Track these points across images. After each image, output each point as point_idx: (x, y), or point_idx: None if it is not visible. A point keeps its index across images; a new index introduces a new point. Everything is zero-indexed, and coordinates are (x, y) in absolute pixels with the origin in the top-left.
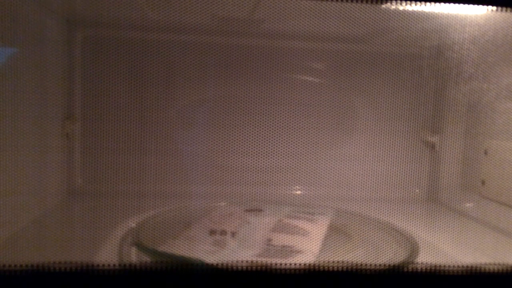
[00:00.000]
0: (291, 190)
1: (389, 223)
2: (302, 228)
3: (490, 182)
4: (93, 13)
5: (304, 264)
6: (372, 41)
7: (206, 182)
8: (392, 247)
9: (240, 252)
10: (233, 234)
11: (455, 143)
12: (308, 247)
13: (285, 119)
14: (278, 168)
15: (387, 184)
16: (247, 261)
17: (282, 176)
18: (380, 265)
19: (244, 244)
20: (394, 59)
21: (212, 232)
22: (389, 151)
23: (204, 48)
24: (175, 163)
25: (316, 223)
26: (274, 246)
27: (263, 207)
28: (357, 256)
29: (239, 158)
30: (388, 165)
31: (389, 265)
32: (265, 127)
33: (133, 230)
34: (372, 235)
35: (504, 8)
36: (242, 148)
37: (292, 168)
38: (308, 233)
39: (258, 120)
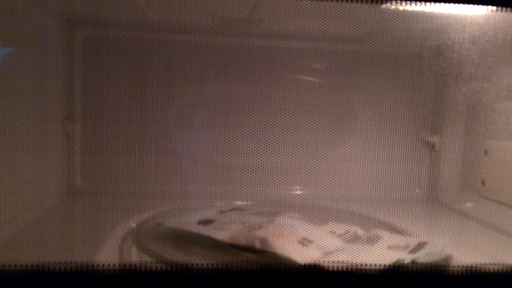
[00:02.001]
0: (291, 190)
1: (389, 223)
2: (312, 219)
3: (490, 182)
4: (93, 13)
5: (304, 264)
6: (372, 41)
7: (206, 182)
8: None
9: (345, 248)
10: (307, 239)
11: (455, 143)
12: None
13: (285, 119)
14: (278, 168)
15: (387, 184)
16: (247, 261)
17: (282, 176)
18: (380, 265)
19: (329, 244)
20: (394, 59)
21: (303, 243)
22: (389, 151)
23: (204, 48)
24: (175, 163)
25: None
26: (346, 235)
27: (215, 218)
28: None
29: (239, 158)
30: (388, 165)
31: (389, 265)
32: (265, 127)
33: (133, 230)
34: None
35: (504, 8)
36: (242, 148)
37: (292, 168)
38: (326, 221)
39: (258, 120)
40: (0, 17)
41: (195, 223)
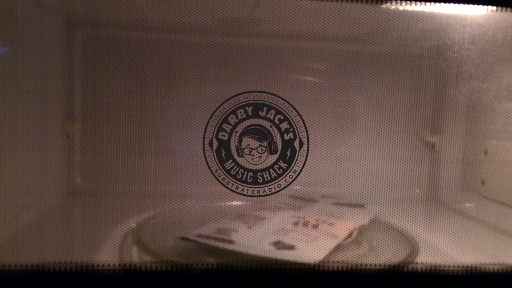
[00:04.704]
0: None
1: (389, 223)
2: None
3: (490, 182)
4: (93, 13)
5: (304, 264)
6: (372, 41)
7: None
8: (392, 247)
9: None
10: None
11: (455, 143)
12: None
13: None
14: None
15: (386, 184)
16: (247, 261)
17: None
18: (380, 265)
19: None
20: (394, 59)
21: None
22: (389, 151)
23: (204, 48)
24: (175, 163)
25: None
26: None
27: (279, 239)
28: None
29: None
30: (388, 165)
31: (389, 265)
32: None
33: (133, 230)
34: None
35: (504, 8)
36: None
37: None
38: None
39: None
40: (0, 17)
41: (270, 245)
